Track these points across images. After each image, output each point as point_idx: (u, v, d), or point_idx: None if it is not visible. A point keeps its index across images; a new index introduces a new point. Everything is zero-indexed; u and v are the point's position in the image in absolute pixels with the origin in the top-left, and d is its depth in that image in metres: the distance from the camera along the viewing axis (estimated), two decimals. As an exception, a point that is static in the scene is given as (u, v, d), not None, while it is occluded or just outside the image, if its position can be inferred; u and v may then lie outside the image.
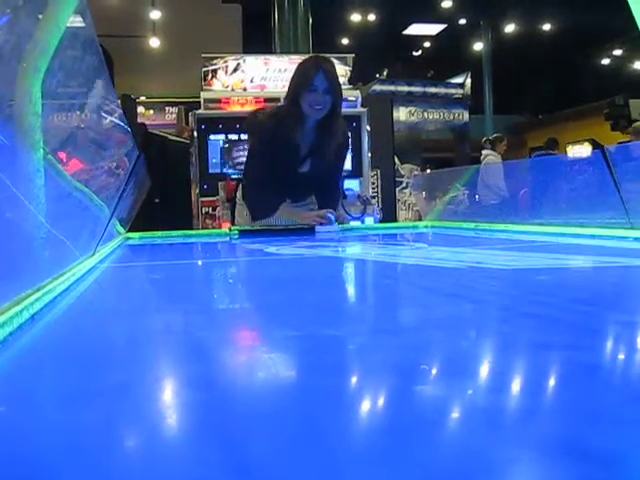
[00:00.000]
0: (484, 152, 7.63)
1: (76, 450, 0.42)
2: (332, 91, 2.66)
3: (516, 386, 0.56)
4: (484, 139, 8.01)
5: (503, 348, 0.72)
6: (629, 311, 0.93)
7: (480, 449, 0.39)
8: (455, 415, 0.48)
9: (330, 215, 2.77)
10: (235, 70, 6.52)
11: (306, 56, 3.03)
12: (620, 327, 0.81)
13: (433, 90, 9.96)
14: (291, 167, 2.79)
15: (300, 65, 2.80)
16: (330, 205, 2.92)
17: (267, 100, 6.08)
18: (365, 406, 0.51)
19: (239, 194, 2.98)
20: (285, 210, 2.84)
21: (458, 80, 10.36)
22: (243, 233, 2.74)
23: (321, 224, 2.75)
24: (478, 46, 17.16)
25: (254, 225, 2.83)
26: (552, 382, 0.57)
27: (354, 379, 0.59)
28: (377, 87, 9.38)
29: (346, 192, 3.50)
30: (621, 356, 0.67)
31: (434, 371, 0.61)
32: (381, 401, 0.53)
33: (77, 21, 1.28)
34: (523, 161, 6.01)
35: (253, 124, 2.84)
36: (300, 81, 2.70)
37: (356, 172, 5.85)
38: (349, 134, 2.99)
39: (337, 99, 2.71)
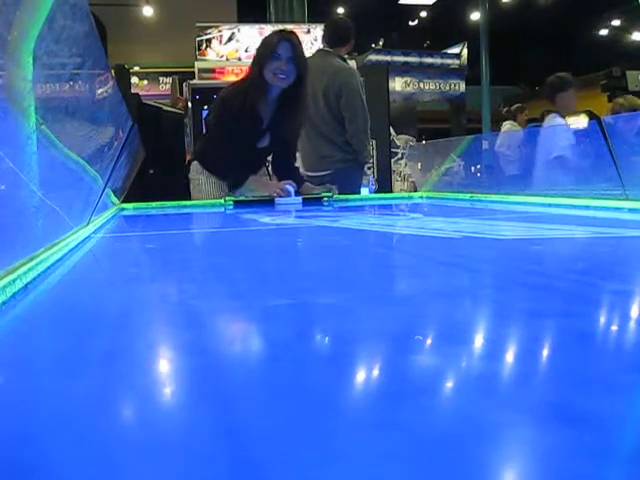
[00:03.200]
0: (504, 123, 7.53)
1: (69, 418, 0.42)
2: (296, 61, 2.70)
3: (510, 353, 0.56)
4: (505, 109, 7.88)
5: (498, 316, 0.72)
6: (622, 280, 0.93)
7: (474, 414, 0.40)
8: (450, 381, 0.48)
9: (289, 187, 2.79)
10: (230, 40, 6.46)
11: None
12: (613, 295, 0.82)
13: (429, 60, 9.88)
14: (251, 141, 2.82)
15: (265, 37, 2.87)
16: (297, 178, 2.97)
17: (262, 70, 6.02)
18: (360, 372, 0.51)
19: (193, 170, 2.97)
20: (253, 180, 2.89)
21: (455, 50, 10.27)
22: (238, 204, 2.73)
23: (280, 196, 2.76)
24: (475, 16, 16.96)
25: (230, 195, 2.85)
26: (546, 349, 0.57)
27: (349, 346, 0.59)
28: (373, 57, 9.29)
29: None
30: (614, 324, 0.67)
31: (429, 338, 0.61)
32: (376, 368, 0.53)
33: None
34: (519, 132, 5.98)
35: (220, 97, 2.87)
36: (264, 49, 2.75)
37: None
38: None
39: (302, 71, 2.73)
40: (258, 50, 2.80)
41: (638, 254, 1.21)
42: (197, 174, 2.95)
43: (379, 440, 0.36)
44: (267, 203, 2.69)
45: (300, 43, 2.78)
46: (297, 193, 2.81)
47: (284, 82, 2.70)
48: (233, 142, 2.74)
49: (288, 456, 0.34)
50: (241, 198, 2.80)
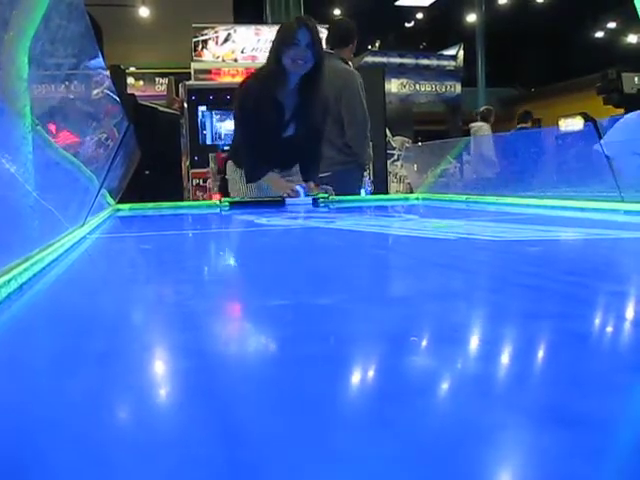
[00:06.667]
0: (476, 125, 7.56)
1: (64, 418, 0.42)
2: (314, 47, 2.68)
3: (506, 354, 0.56)
4: (475, 112, 7.96)
5: (493, 317, 0.72)
6: (617, 281, 0.93)
7: (470, 416, 0.39)
8: (445, 382, 0.48)
9: (299, 188, 2.79)
10: (226, 40, 6.46)
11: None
12: (609, 297, 0.82)
13: (425, 62, 9.88)
14: (276, 130, 2.79)
15: (282, 25, 2.88)
16: (312, 170, 2.95)
17: (258, 71, 6.02)
18: (356, 373, 0.51)
19: (229, 169, 2.97)
20: (270, 178, 2.86)
21: (451, 52, 10.28)
22: (233, 205, 2.73)
23: (289, 196, 2.77)
24: (471, 18, 16.99)
25: (243, 196, 2.84)
26: (542, 350, 0.57)
27: (345, 347, 0.59)
28: (369, 59, 9.29)
29: None
30: (610, 325, 0.67)
31: (425, 340, 0.61)
32: (372, 369, 0.53)
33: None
34: (513, 134, 5.99)
35: (238, 90, 2.85)
36: (282, 37, 2.73)
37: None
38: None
39: (320, 57, 2.72)
40: (276, 38, 2.77)
41: (636, 255, 1.22)
42: (232, 173, 2.94)
43: (375, 440, 0.36)
44: (263, 204, 2.69)
45: (317, 29, 2.76)
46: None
47: (303, 68, 2.68)
48: (252, 131, 2.72)
49: (285, 456, 0.34)
50: (237, 199, 2.80)
